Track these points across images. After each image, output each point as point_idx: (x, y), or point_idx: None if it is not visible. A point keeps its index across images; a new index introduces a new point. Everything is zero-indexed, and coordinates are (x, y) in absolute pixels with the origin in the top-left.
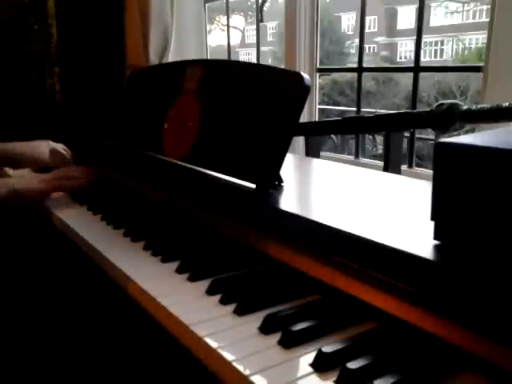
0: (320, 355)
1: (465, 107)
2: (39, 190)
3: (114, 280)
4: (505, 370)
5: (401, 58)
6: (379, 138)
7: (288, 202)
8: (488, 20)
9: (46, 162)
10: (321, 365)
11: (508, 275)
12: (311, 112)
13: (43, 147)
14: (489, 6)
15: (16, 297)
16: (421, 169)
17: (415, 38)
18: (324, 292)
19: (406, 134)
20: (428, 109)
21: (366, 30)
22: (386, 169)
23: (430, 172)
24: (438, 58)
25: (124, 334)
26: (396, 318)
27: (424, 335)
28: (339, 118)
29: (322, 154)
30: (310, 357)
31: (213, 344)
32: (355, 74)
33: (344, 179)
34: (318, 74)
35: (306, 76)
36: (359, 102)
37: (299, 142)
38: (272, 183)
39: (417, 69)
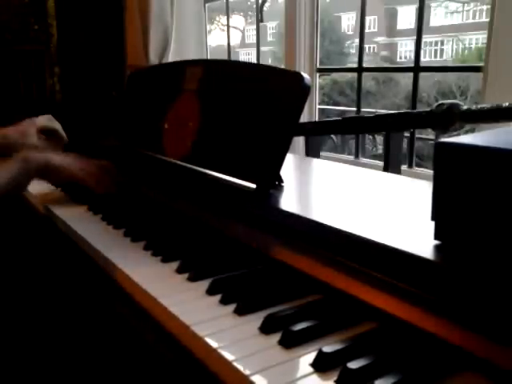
0: (320, 355)
1: (465, 107)
2: (76, 176)
3: (115, 280)
4: (505, 370)
5: (401, 58)
6: (379, 138)
7: (288, 201)
8: (488, 20)
9: (35, 145)
10: (321, 365)
11: (508, 275)
12: (311, 112)
13: (30, 130)
14: (489, 6)
15: (16, 297)
16: (421, 169)
17: (415, 38)
18: (324, 292)
19: (406, 134)
20: (428, 109)
21: (366, 30)
22: (386, 169)
23: (430, 172)
24: (438, 58)
25: (124, 333)
26: (396, 318)
27: (424, 335)
28: (339, 118)
29: (322, 154)
30: (310, 357)
31: (213, 344)
32: (355, 74)
33: (344, 179)
34: (317, 74)
35: (306, 76)
36: (359, 102)
37: (299, 142)
38: (272, 183)
39: (417, 69)
